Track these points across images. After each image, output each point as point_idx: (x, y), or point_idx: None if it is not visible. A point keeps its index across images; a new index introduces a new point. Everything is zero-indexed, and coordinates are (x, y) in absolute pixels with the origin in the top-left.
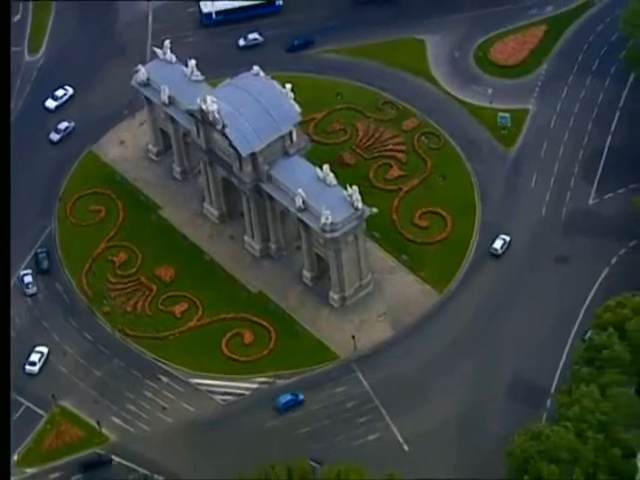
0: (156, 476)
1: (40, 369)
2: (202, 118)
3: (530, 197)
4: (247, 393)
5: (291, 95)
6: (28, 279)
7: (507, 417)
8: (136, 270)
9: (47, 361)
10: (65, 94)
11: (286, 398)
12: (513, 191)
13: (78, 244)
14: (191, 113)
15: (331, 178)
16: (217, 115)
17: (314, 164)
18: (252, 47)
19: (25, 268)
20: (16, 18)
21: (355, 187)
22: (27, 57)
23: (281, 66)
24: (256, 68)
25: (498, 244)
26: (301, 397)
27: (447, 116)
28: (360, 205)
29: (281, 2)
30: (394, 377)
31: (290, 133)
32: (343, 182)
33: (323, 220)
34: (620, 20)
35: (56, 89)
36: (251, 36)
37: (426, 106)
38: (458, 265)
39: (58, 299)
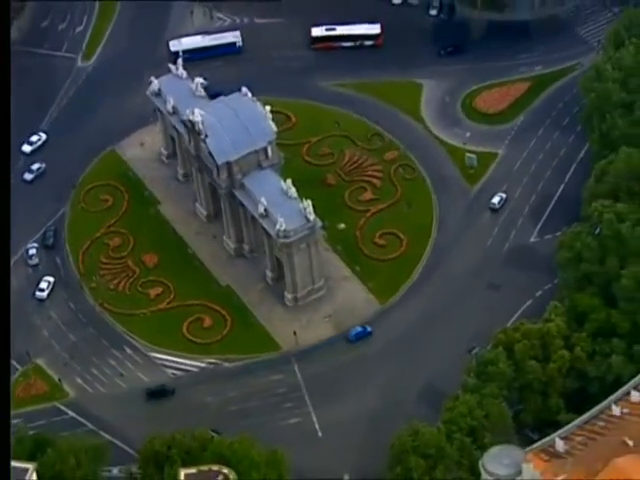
0: (103, 433)
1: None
2: (192, 127)
3: (480, 229)
4: (195, 370)
5: (269, 116)
6: (32, 251)
7: (412, 417)
8: (126, 254)
9: (32, 323)
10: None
11: None
12: (467, 223)
13: (83, 226)
14: (184, 122)
15: (292, 191)
16: (201, 125)
17: (297, 180)
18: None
19: (33, 242)
20: (78, 29)
21: (309, 201)
22: (79, 63)
23: (283, 93)
24: (244, 89)
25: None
26: None
27: (425, 152)
28: (312, 217)
29: (241, 44)
30: (325, 372)
31: (265, 149)
32: (322, 199)
33: (277, 227)
34: (579, 83)
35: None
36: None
37: (409, 141)
38: (403, 282)
39: (55, 271)
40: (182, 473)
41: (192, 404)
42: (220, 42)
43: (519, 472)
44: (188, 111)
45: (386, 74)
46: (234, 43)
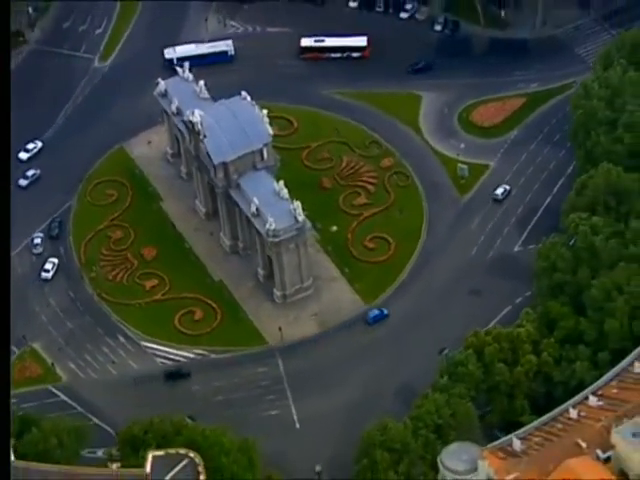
0: (92, 416)
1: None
2: (192, 127)
3: (467, 237)
4: (183, 360)
5: (266, 119)
6: (37, 241)
7: (386, 412)
8: (126, 247)
9: (32, 308)
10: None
11: None
12: (455, 230)
13: (87, 219)
14: (185, 123)
15: (284, 192)
16: (200, 126)
17: (295, 183)
18: None
19: (39, 232)
20: (98, 31)
21: (298, 202)
22: (96, 64)
23: (283, 99)
24: (244, 93)
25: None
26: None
27: (420, 161)
28: (301, 218)
29: (233, 53)
30: (307, 367)
31: (261, 150)
32: (317, 202)
33: (267, 226)
34: (570, 101)
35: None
36: None
37: (405, 150)
38: (389, 284)
39: (58, 260)
40: (150, 455)
41: (179, 392)
42: (213, 50)
43: (475, 468)
44: (188, 112)
45: (386, 85)
46: (226, 52)
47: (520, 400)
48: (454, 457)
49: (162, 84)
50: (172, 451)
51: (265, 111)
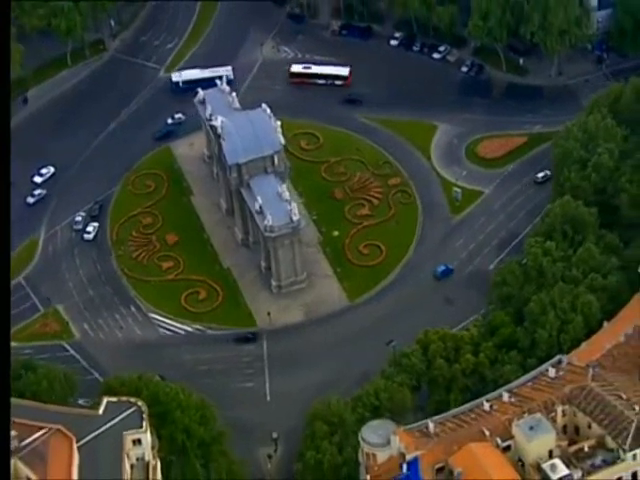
0: (93, 371)
1: None
2: (215, 131)
3: (451, 252)
4: (182, 332)
5: (279, 130)
6: (78, 219)
7: (345, 393)
8: (152, 232)
9: (62, 276)
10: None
11: None
12: (442, 245)
13: (125, 204)
14: (211, 127)
15: (286, 195)
16: (220, 130)
17: (311, 192)
18: None
19: (82, 212)
20: (169, 46)
21: (294, 204)
22: (161, 74)
23: (316, 118)
24: (264, 106)
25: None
26: None
27: (424, 183)
28: (295, 218)
29: (232, 77)
30: (287, 349)
31: (272, 157)
32: (327, 210)
33: (265, 222)
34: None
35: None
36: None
37: (413, 172)
38: (373, 286)
39: (93, 237)
40: (105, 400)
41: (171, 359)
42: (214, 75)
43: (388, 442)
44: (213, 117)
45: (409, 114)
46: (226, 77)
47: (455, 394)
48: (372, 432)
49: (201, 93)
50: (124, 399)
51: (279, 122)
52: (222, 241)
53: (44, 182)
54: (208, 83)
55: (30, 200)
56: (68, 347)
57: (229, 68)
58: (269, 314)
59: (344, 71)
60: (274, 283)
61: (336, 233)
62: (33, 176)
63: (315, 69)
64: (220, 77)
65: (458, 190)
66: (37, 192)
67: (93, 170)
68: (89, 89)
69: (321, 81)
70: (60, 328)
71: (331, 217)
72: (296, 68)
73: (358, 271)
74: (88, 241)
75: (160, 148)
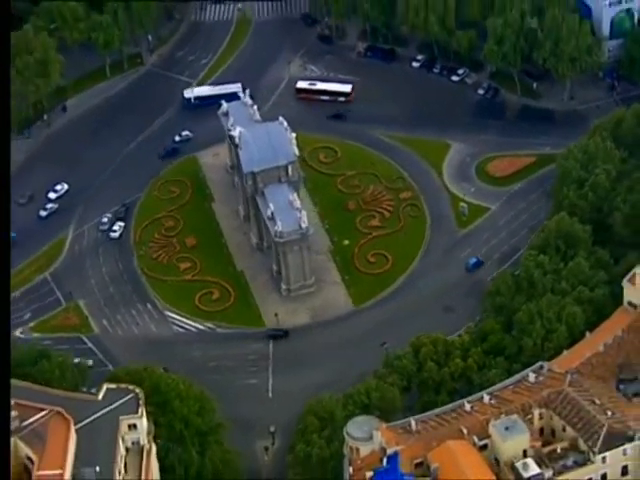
0: (107, 363)
1: None
2: (233, 141)
3: (454, 263)
4: (193, 330)
5: (294, 141)
6: (105, 220)
7: (342, 392)
8: (173, 235)
9: (86, 273)
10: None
11: None
12: (447, 256)
13: (150, 208)
14: (230, 137)
15: (297, 203)
16: (238, 140)
17: (326, 203)
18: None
19: (108, 214)
20: (203, 62)
21: (304, 212)
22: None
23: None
24: (281, 118)
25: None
26: None
27: (434, 197)
28: (304, 226)
29: (241, 93)
30: (292, 349)
31: (286, 167)
32: (340, 220)
33: (275, 228)
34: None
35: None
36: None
37: (424, 187)
38: (378, 293)
39: (117, 239)
40: (105, 387)
41: (182, 355)
42: (225, 92)
43: (371, 437)
44: (232, 127)
45: (424, 132)
46: (235, 93)
47: (443, 396)
48: (357, 427)
49: (225, 106)
50: (123, 386)
51: (294, 134)
52: (238, 245)
53: (58, 198)
54: (218, 99)
55: (43, 213)
56: (86, 340)
57: (239, 85)
58: (276, 315)
59: (347, 88)
60: (284, 286)
61: (346, 242)
62: (48, 192)
63: (319, 85)
64: (232, 94)
65: (464, 205)
66: (49, 206)
67: (123, 175)
68: (125, 100)
69: (325, 97)
70: (80, 322)
71: (343, 227)
72: (302, 84)
73: (365, 278)
74: (113, 239)
75: (187, 157)
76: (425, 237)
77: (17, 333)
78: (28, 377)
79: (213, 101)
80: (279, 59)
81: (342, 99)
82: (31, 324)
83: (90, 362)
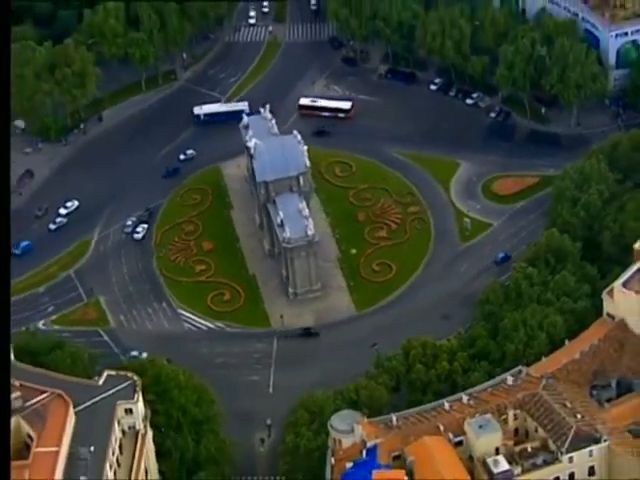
0: (121, 355)
1: None
2: (249, 152)
3: (455, 275)
4: (203, 328)
5: (306, 154)
6: (129, 223)
7: (337, 390)
8: (192, 239)
9: (108, 272)
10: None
11: None
12: (448, 269)
13: (172, 213)
14: (246, 147)
15: (306, 212)
16: (252, 150)
17: (338, 214)
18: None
19: (133, 217)
20: (232, 79)
21: (312, 220)
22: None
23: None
24: (295, 132)
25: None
26: None
27: (440, 212)
28: (311, 233)
29: (248, 111)
30: (294, 349)
31: (297, 178)
32: (349, 231)
33: (284, 234)
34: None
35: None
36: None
37: (432, 202)
38: (380, 300)
39: (140, 240)
40: (105, 373)
41: (191, 351)
42: (233, 109)
43: (353, 430)
44: (248, 139)
45: (435, 151)
46: (242, 111)
47: (429, 396)
48: (341, 420)
49: (245, 119)
50: (122, 373)
51: (306, 147)
52: (251, 251)
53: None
54: (227, 117)
55: (52, 227)
56: (103, 333)
57: (245, 103)
58: (282, 317)
59: (346, 105)
60: (290, 290)
61: (354, 251)
62: (59, 208)
63: (320, 102)
64: (239, 111)
65: (468, 220)
66: (58, 220)
67: (150, 182)
68: (157, 112)
69: (326, 113)
70: (98, 316)
71: (351, 237)
72: (304, 101)
73: (369, 286)
74: (137, 240)
75: (211, 166)
76: (429, 249)
77: (39, 325)
78: (42, 365)
79: (221, 118)
80: (305, 79)
81: (342, 115)
82: (53, 317)
83: None
